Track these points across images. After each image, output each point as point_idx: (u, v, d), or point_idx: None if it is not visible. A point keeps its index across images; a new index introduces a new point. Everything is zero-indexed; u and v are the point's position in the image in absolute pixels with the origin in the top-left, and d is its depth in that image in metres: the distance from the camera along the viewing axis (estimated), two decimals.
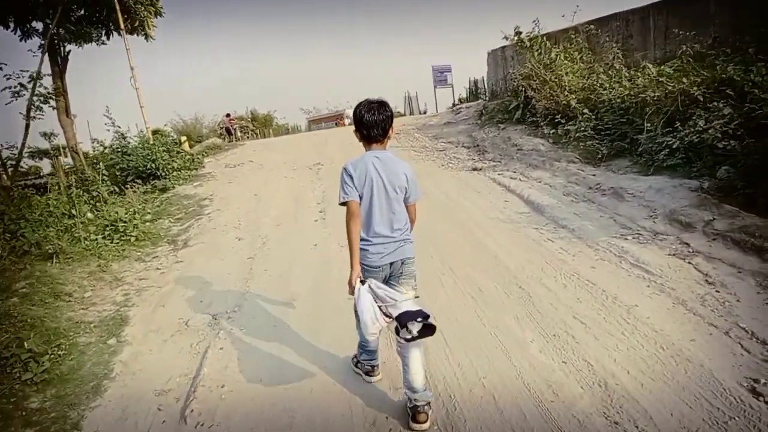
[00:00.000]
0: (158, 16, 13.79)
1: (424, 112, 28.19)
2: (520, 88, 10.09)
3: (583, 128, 7.35)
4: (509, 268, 4.35)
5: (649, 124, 6.38)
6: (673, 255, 4.20)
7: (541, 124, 8.78)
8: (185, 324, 4.00)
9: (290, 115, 53.20)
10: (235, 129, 24.85)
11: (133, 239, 6.24)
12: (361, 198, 2.54)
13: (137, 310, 4.41)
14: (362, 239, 2.57)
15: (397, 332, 2.42)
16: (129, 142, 10.36)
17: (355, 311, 2.50)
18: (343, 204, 2.53)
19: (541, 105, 8.89)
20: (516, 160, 8.34)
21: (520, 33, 9.37)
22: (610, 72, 8.19)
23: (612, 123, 7.26)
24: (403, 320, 2.34)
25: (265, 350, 3.47)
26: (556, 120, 8.51)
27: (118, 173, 9.71)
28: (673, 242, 4.47)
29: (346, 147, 11.58)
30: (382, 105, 2.59)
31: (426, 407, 2.54)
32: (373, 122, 2.55)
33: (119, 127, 10.02)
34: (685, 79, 6.07)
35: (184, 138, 26.29)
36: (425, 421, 2.51)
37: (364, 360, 2.95)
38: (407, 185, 2.62)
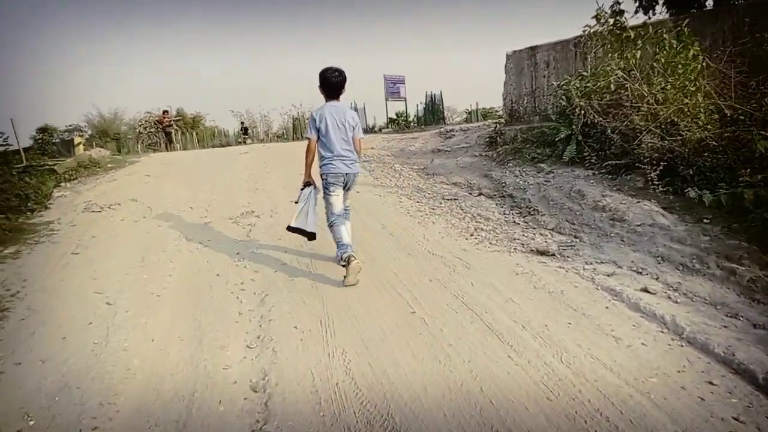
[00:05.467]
0: None
1: (379, 129, 24.35)
2: (578, 109, 6.39)
3: None
4: None
5: None
6: None
7: (651, 174, 5.07)
8: None
9: (219, 118, 47.45)
10: (170, 131, 19.97)
11: None
12: (319, 132, 4.01)
13: None
14: (326, 157, 4.02)
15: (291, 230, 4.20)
16: None
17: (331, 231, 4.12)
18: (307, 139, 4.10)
19: (647, 143, 5.18)
20: (620, 241, 4.58)
21: (620, 12, 5.60)
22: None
23: None
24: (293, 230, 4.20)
25: None
26: (683, 173, 4.86)
27: None
28: None
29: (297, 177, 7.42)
30: (341, 73, 4.01)
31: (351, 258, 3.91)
32: (333, 84, 4.00)
33: None
34: None
35: (78, 139, 20.91)
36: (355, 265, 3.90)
37: (342, 252, 3.97)
38: (353, 125, 4.08)
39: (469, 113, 31.17)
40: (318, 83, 4.03)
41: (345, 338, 3.09)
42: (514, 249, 4.79)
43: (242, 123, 26.72)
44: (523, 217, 5.71)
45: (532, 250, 4.72)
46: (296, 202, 4.19)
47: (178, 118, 20.90)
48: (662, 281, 3.85)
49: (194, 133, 30.79)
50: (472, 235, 5.21)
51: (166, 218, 6.01)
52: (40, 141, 22.86)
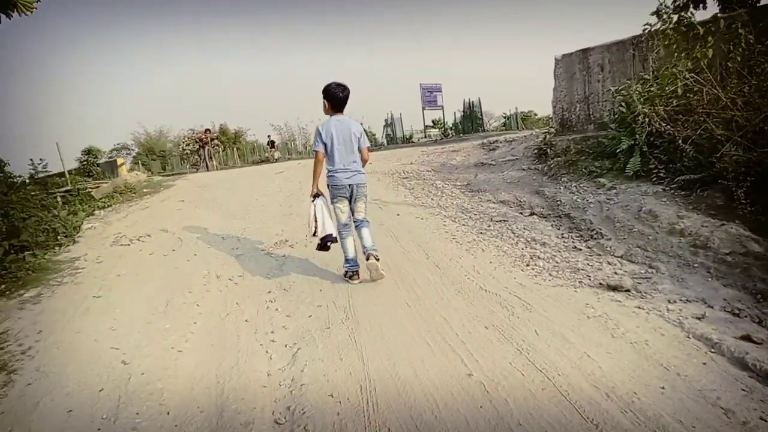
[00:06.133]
0: None
1: (417, 140, 23.86)
2: (641, 117, 5.73)
3: None
4: None
5: None
6: None
7: (737, 192, 4.36)
8: None
9: (260, 133, 48.19)
10: (209, 150, 19.82)
11: None
12: (326, 146, 4.21)
13: None
14: (330, 169, 4.27)
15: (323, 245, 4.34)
16: None
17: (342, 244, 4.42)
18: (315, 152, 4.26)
19: (731, 155, 4.47)
20: (706, 273, 3.93)
21: (686, 6, 4.93)
22: None
23: None
24: (324, 240, 4.29)
25: None
26: None
27: None
28: None
29: None
30: (346, 87, 4.25)
31: (375, 254, 4.29)
32: (341, 99, 4.25)
33: None
34: None
35: (120, 160, 21.23)
36: (376, 260, 4.26)
37: (347, 267, 4.43)
38: (358, 137, 4.30)
39: (507, 118, 30.29)
40: (322, 97, 4.29)
41: (390, 414, 2.58)
42: (580, 282, 4.19)
43: (269, 137, 26.51)
44: (585, 241, 5.08)
45: (600, 284, 4.11)
46: (315, 231, 4.32)
47: (215, 135, 20.73)
48: None
49: (235, 148, 31.17)
50: (528, 265, 4.63)
51: (196, 251, 5.67)
52: (84, 163, 23.50)
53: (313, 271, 4.85)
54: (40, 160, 10.04)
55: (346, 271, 4.45)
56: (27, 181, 8.95)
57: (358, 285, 4.37)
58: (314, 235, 4.32)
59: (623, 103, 6.29)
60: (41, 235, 5.73)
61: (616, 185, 5.88)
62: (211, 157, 19.34)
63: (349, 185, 4.27)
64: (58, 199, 9.49)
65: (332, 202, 4.36)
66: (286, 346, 3.42)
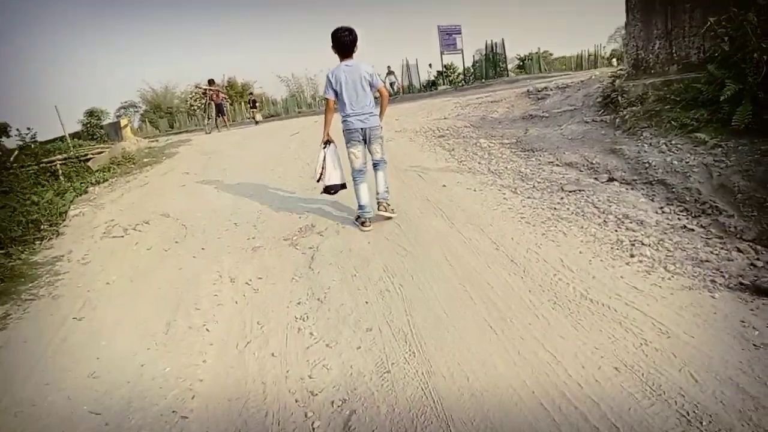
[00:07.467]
0: None
1: (431, 85, 22.21)
2: (757, 54, 4.46)
3: None
4: None
5: None
6: None
7: None
8: None
9: (266, 86, 46.47)
10: (220, 104, 17.15)
11: None
12: (336, 93, 4.18)
13: None
14: (343, 115, 4.26)
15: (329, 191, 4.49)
16: None
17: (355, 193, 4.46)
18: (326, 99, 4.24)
19: None
20: None
21: None
22: None
23: None
24: (329, 188, 4.48)
25: None
26: None
27: None
28: None
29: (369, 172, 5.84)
30: (351, 32, 4.11)
31: (385, 202, 4.49)
32: (345, 43, 4.12)
33: None
34: None
35: (124, 121, 19.87)
36: (385, 210, 4.46)
37: (359, 212, 4.51)
38: (369, 79, 4.20)
39: (523, 60, 28.18)
40: (331, 44, 4.19)
41: None
42: (712, 282, 3.10)
43: (251, 94, 24.55)
44: (695, 218, 3.96)
45: (742, 284, 3.03)
46: (320, 177, 4.46)
47: (219, 88, 17.81)
48: None
49: (243, 102, 29.90)
50: (633, 256, 3.52)
51: (203, 243, 4.65)
52: (87, 125, 22.40)
53: (352, 269, 3.80)
54: (28, 129, 8.95)
55: (358, 216, 4.57)
56: (2, 156, 7.92)
57: (418, 292, 3.33)
58: (318, 180, 4.49)
59: (725, 38, 4.98)
60: (16, 229, 4.73)
61: (722, 142, 4.67)
62: (220, 113, 16.68)
63: (362, 129, 4.29)
64: (58, 165, 8.52)
65: (347, 146, 4.41)
66: (333, 404, 2.41)
